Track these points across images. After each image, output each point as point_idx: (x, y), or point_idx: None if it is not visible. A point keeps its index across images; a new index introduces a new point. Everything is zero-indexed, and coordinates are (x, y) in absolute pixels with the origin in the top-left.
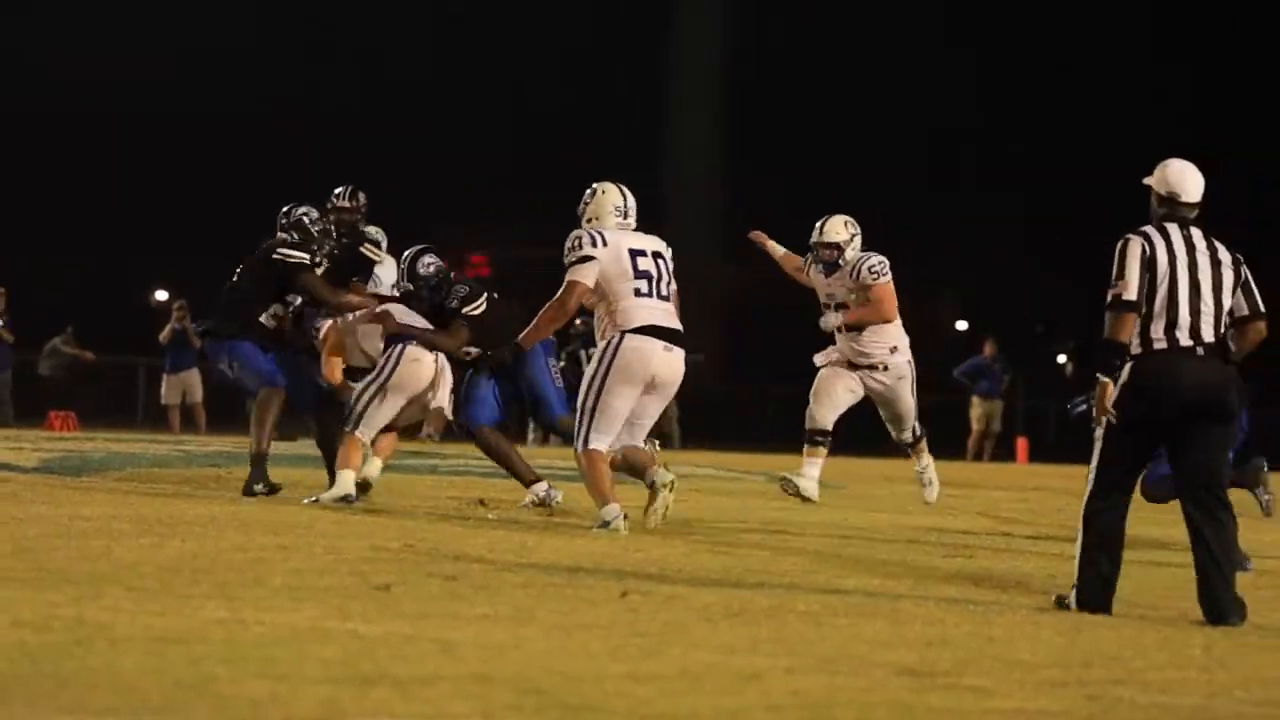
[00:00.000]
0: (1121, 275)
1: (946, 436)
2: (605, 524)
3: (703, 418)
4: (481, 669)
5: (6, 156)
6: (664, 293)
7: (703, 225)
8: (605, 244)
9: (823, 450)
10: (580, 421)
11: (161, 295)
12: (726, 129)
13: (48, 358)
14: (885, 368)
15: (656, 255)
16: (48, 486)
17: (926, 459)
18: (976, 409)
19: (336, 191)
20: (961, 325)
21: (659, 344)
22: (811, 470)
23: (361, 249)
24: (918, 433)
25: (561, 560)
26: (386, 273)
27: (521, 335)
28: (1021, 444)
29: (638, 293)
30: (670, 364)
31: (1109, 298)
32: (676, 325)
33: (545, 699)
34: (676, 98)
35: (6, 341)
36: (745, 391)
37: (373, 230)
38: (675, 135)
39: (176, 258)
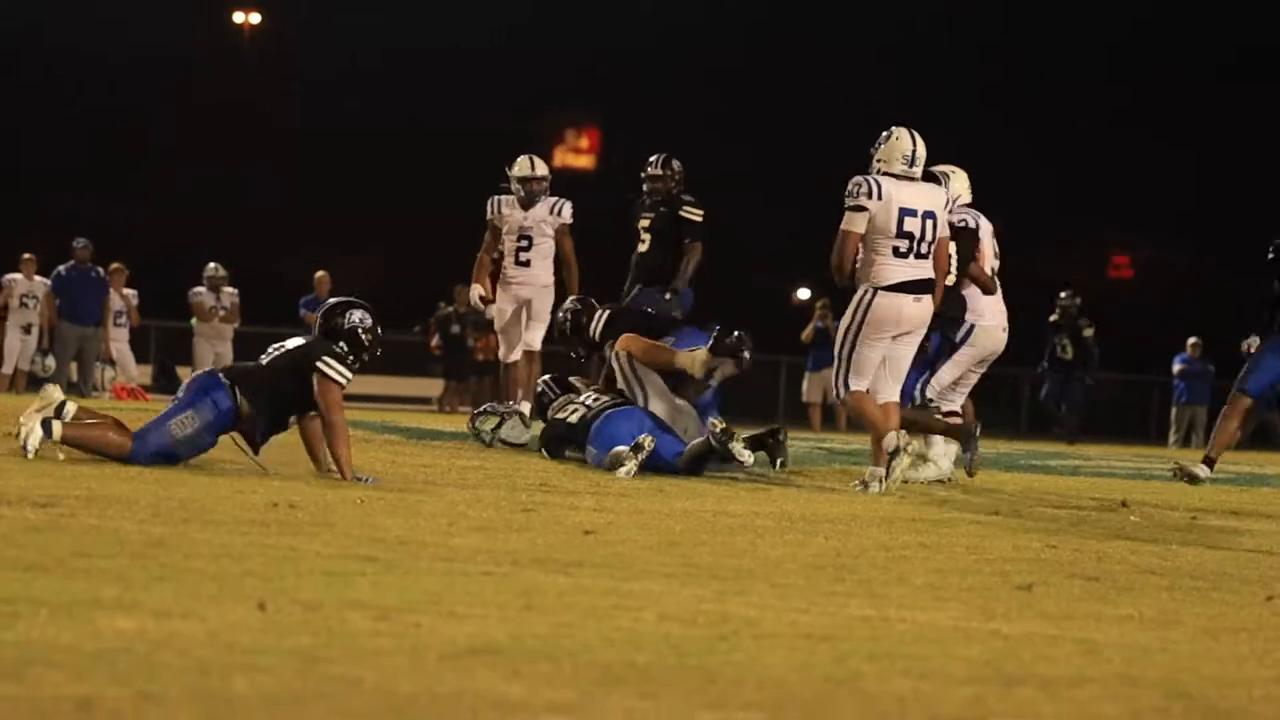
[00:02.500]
0: None
1: None
2: (893, 453)
3: None
4: (1127, 671)
5: None
6: (923, 251)
7: None
8: (880, 197)
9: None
10: (837, 370)
11: (804, 294)
12: None
13: None
14: None
15: (927, 215)
16: (693, 483)
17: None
18: None
19: (650, 159)
20: None
21: (908, 297)
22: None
23: (681, 213)
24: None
25: (1206, 563)
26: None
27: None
28: None
29: (895, 251)
30: (918, 313)
31: None
32: (926, 275)
33: (1193, 703)
34: None
35: None
36: None
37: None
38: None
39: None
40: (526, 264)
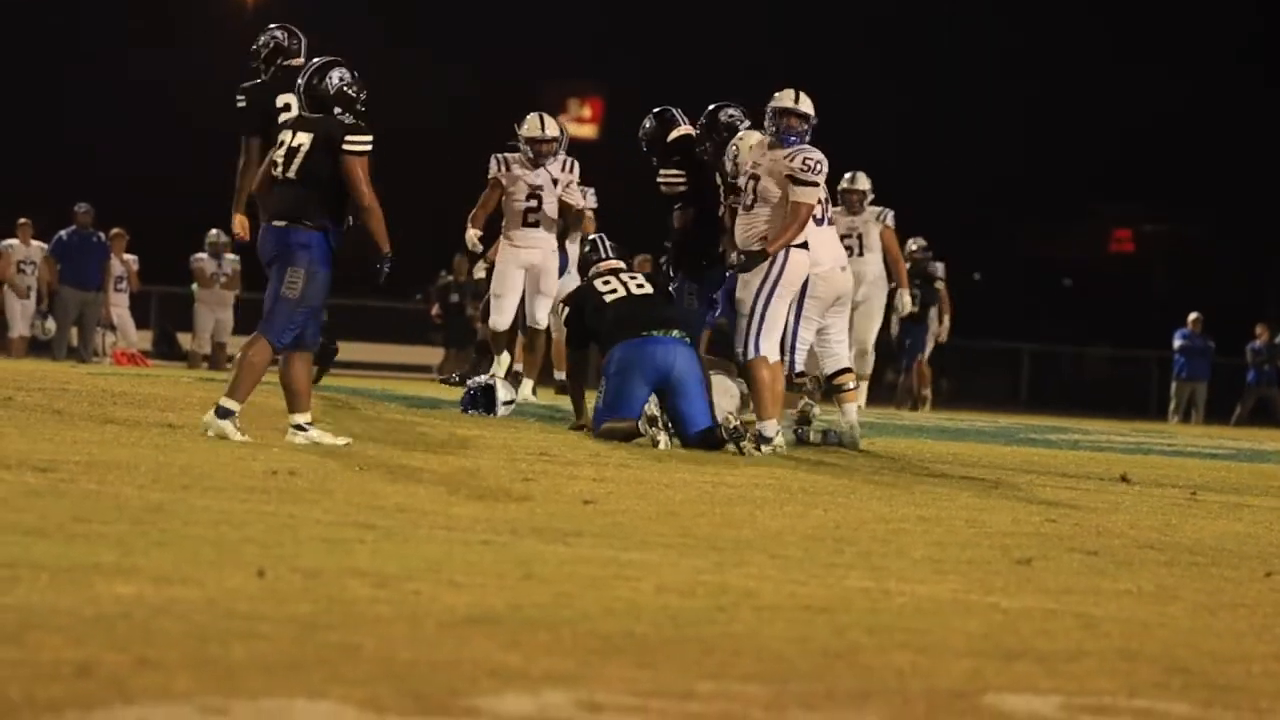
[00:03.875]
0: None
1: None
2: (766, 439)
3: None
4: (1125, 645)
5: None
6: (824, 215)
7: None
8: (824, 173)
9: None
10: (748, 331)
11: None
12: None
13: None
14: None
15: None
16: (692, 454)
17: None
18: None
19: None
20: None
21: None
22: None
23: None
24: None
25: (1205, 538)
26: None
27: (771, 244)
28: None
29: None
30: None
31: None
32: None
33: (1191, 678)
34: None
35: None
36: None
37: None
38: None
39: None
40: (535, 225)
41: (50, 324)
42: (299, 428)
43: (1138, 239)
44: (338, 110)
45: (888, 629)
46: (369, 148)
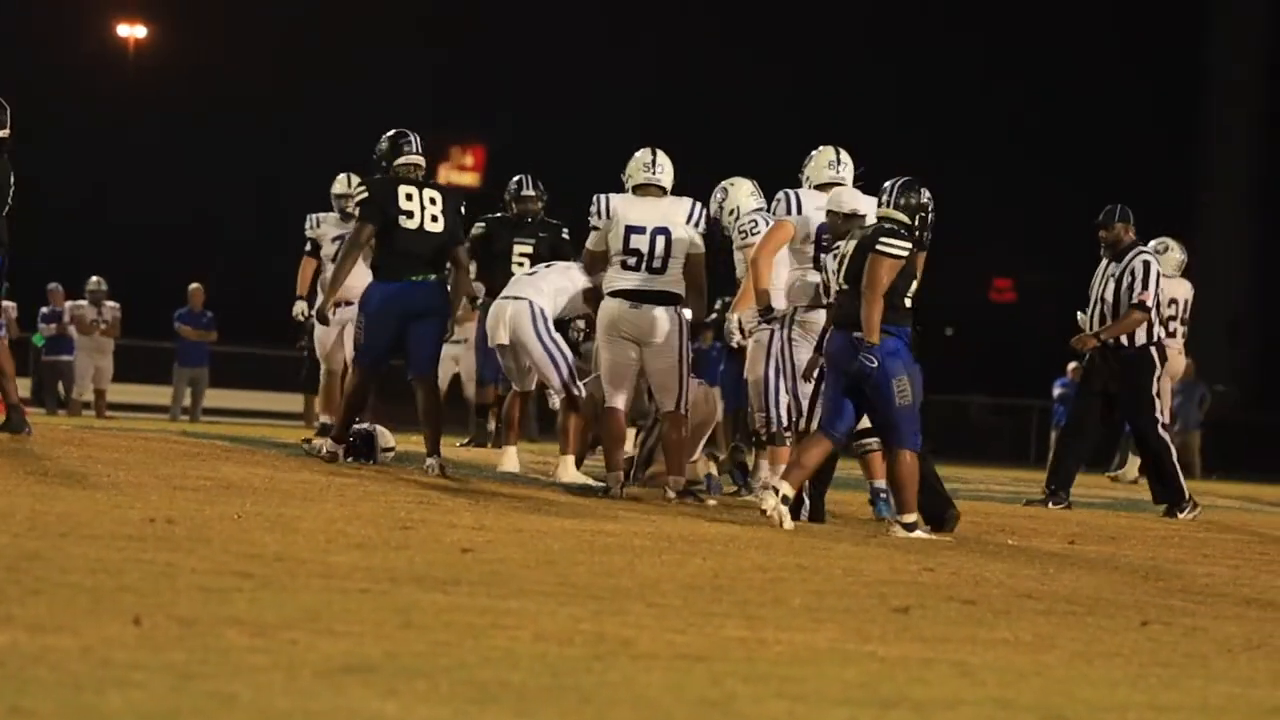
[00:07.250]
0: None
1: None
2: (586, 487)
3: (1228, 447)
4: (1002, 694)
5: None
6: (655, 266)
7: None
8: (608, 216)
9: None
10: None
11: None
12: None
13: None
14: None
15: (657, 233)
16: (572, 501)
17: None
18: None
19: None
20: None
21: (626, 303)
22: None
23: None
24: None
25: (1082, 588)
26: None
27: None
28: None
29: (624, 265)
30: (636, 320)
31: None
32: (652, 288)
33: None
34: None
35: None
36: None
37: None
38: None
39: None
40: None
41: None
42: (907, 526)
43: (1019, 288)
44: (908, 218)
45: (764, 678)
46: (902, 254)
